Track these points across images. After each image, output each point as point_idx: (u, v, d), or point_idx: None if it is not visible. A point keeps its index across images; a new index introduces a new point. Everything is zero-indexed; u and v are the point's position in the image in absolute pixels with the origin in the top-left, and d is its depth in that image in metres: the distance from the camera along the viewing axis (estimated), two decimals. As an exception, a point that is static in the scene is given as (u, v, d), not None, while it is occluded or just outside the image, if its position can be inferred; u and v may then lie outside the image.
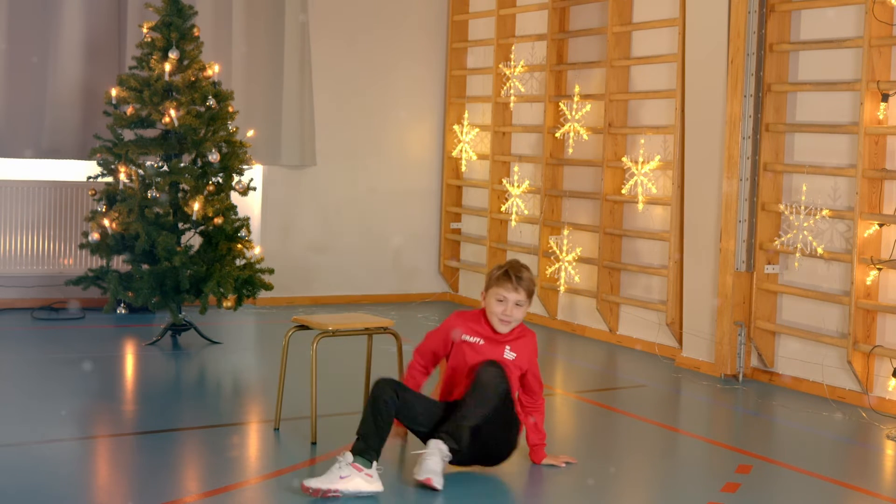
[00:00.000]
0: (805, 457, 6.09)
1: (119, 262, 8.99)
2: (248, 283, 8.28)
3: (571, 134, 9.41)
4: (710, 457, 6.16)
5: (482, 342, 5.46)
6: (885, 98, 7.03)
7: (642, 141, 8.86)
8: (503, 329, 5.44)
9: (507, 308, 5.39)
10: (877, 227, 7.10)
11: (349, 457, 5.08)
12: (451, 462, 5.22)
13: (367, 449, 5.13)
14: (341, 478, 5.02)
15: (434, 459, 5.09)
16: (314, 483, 5.03)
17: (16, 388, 7.08)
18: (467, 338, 5.48)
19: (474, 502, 5.09)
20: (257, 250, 8.60)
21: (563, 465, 5.61)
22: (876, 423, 6.79)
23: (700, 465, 6.03)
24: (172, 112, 8.15)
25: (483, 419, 5.19)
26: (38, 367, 7.64)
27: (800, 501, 5.40)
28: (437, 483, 5.06)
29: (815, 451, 6.29)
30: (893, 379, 6.94)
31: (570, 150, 9.47)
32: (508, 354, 5.45)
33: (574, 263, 9.35)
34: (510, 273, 5.40)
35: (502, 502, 5.19)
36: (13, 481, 5.27)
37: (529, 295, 5.43)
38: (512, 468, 5.58)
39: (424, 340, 5.62)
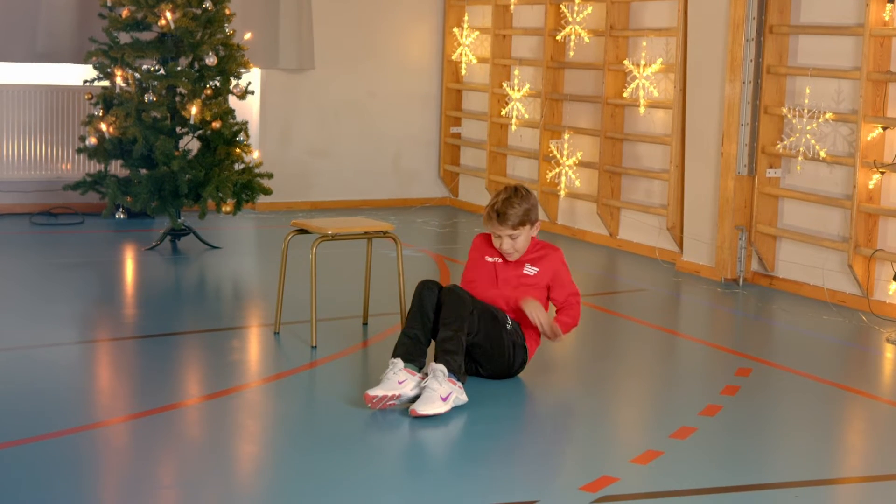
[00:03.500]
0: (804, 360, 6.10)
1: (117, 167, 8.94)
2: (247, 187, 8.24)
3: (572, 37, 9.30)
4: (710, 360, 6.17)
5: (501, 261, 5.56)
6: (891, -1, 6.94)
7: (644, 44, 8.75)
8: (512, 258, 5.54)
9: (504, 243, 5.49)
10: (880, 130, 7.05)
11: (400, 363, 5.05)
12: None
13: (416, 354, 5.13)
14: (399, 383, 4.99)
15: (432, 386, 4.97)
16: (379, 391, 4.96)
17: (15, 293, 7.08)
18: (489, 258, 5.58)
19: (482, 399, 5.10)
20: (256, 155, 8.55)
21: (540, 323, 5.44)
22: (876, 326, 6.80)
23: (700, 368, 6.05)
24: (168, 14, 8.04)
25: (460, 331, 5.15)
26: (38, 271, 7.63)
27: (799, 404, 5.42)
28: (425, 410, 4.90)
29: (814, 355, 6.30)
30: (894, 283, 6.93)
31: (571, 54, 9.37)
32: (529, 270, 5.54)
33: (574, 168, 9.30)
34: (494, 212, 5.47)
35: (508, 401, 5.21)
36: (14, 385, 5.28)
37: (522, 223, 5.45)
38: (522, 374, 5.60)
39: (464, 273, 5.64)
